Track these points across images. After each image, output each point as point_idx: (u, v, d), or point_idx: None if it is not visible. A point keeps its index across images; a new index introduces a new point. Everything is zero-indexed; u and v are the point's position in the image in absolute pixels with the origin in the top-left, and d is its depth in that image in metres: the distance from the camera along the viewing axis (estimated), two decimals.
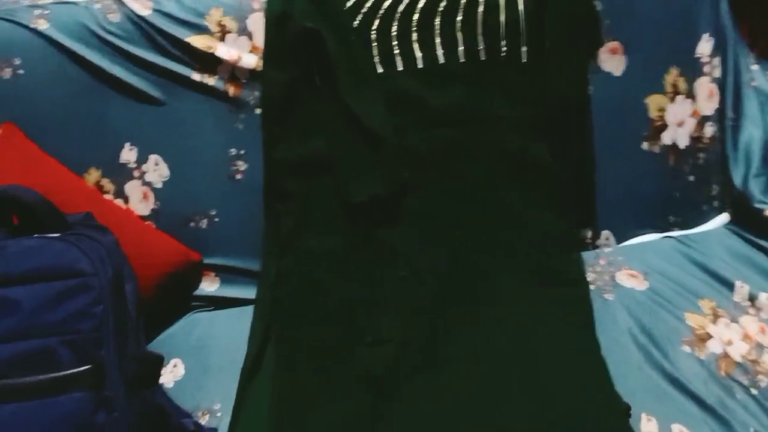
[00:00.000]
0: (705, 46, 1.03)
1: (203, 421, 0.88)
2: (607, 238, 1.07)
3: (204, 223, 1.04)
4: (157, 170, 1.03)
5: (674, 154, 1.05)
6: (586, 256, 0.98)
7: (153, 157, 1.03)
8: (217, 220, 1.04)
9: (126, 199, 1.04)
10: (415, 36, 0.92)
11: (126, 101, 1.01)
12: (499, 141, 0.92)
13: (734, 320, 0.91)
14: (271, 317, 0.91)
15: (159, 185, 1.04)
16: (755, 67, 1.06)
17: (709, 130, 1.06)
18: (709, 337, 0.89)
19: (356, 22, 0.93)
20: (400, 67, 0.93)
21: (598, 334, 0.86)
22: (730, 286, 0.95)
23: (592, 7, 0.97)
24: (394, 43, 0.93)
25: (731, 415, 0.80)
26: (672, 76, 1.03)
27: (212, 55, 0.99)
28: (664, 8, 1.00)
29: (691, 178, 1.06)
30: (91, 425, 0.65)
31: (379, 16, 0.93)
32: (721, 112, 1.06)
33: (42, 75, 1.00)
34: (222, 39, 1.00)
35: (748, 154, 1.04)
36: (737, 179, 1.04)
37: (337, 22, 0.93)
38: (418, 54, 0.92)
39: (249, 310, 0.97)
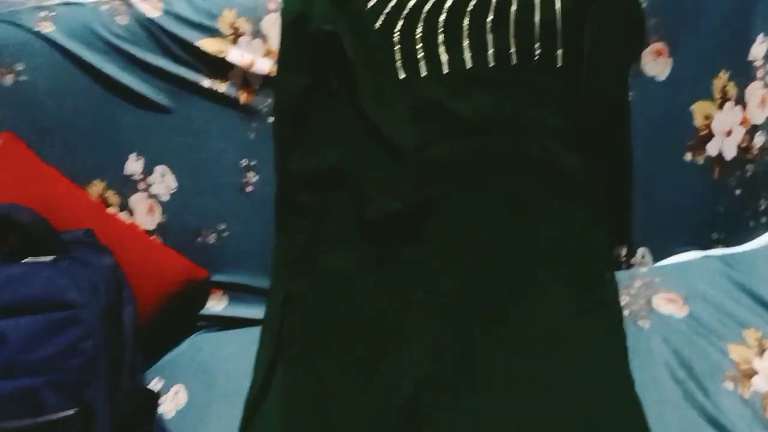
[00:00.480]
0: (759, 49, 0.98)
1: None
2: (643, 256, 1.02)
3: (212, 238, 1.01)
4: (163, 182, 1.00)
5: (720, 165, 1.00)
6: (620, 276, 0.93)
7: (159, 168, 1.00)
8: (226, 234, 1.01)
9: (131, 213, 1.02)
10: (441, 38, 0.88)
11: (132, 109, 0.98)
12: (530, 152, 0.87)
13: None
14: (280, 344, 0.87)
15: (166, 198, 1.01)
16: None
17: (759, 140, 1.01)
18: (755, 372, 0.83)
19: (378, 23, 0.88)
20: (424, 73, 0.88)
21: (633, 366, 0.81)
22: None
23: (637, 4, 0.92)
24: (419, 46, 0.88)
25: None
26: (721, 80, 0.98)
27: (223, 59, 0.96)
28: (716, 5, 0.95)
29: (738, 191, 1.02)
30: None
31: (403, 16, 0.88)
32: None
33: (45, 82, 0.97)
34: (235, 42, 0.96)
35: None
36: None
37: (358, 23, 0.88)
38: (444, 58, 0.88)
39: (257, 330, 0.92)
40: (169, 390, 0.91)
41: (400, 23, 0.88)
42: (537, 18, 0.86)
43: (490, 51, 0.88)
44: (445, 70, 0.88)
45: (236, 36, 0.96)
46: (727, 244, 1.02)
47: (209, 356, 0.96)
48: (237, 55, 0.96)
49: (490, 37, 0.87)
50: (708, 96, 0.97)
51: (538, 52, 0.87)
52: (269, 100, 0.97)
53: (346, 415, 0.80)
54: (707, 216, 1.01)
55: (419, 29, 0.88)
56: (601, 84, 0.89)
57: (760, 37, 0.97)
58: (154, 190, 1.00)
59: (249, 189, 1.00)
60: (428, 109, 0.87)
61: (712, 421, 0.79)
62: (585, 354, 0.80)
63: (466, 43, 0.88)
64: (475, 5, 0.88)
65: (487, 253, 0.86)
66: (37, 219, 0.70)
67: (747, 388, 0.82)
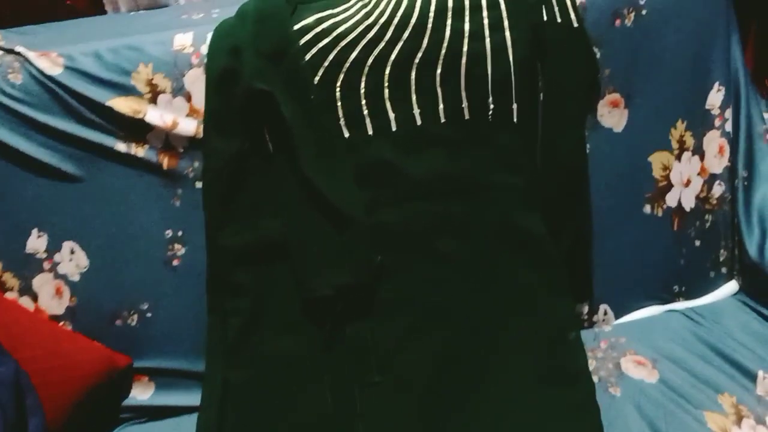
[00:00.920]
0: (716, 97, 0.98)
1: None
2: (605, 313, 0.99)
3: (134, 320, 0.94)
4: (73, 260, 0.92)
5: (679, 217, 0.98)
6: (585, 336, 0.90)
7: (68, 245, 0.92)
8: (149, 315, 0.93)
9: (34, 297, 0.93)
10: (387, 93, 0.84)
11: (33, 178, 0.90)
12: (488, 214, 0.85)
13: (760, 421, 0.82)
14: None
15: (76, 278, 0.93)
16: None
17: (718, 189, 1.01)
18: None
19: (318, 78, 0.84)
20: (370, 131, 0.84)
21: None
22: (751, 377, 0.87)
23: (591, 54, 0.90)
24: (363, 102, 0.84)
25: None
26: (679, 130, 0.97)
27: (141, 120, 0.89)
28: (671, 55, 0.94)
29: (698, 242, 1.00)
30: None
31: (344, 70, 0.84)
32: (731, 170, 1.01)
33: None
34: (153, 101, 0.90)
35: (762, 217, 0.98)
36: (751, 247, 0.97)
37: (294, 78, 0.83)
38: (392, 114, 0.84)
39: (190, 420, 0.86)
40: None
41: (341, 77, 0.84)
42: (489, 70, 0.83)
43: (441, 106, 0.85)
44: (394, 127, 0.84)
45: (154, 94, 0.89)
46: (688, 296, 1.01)
47: None
48: (156, 116, 0.89)
49: (440, 91, 0.84)
50: (666, 146, 0.96)
51: (492, 107, 0.84)
52: (196, 164, 0.91)
53: None
54: (668, 269, 1.00)
55: (363, 84, 0.84)
56: (557, 149, 0.87)
57: (716, 85, 0.98)
58: (61, 269, 0.92)
59: (175, 263, 0.93)
60: (377, 170, 0.83)
61: None
62: None
63: (414, 98, 0.84)
64: (422, 57, 0.84)
65: (445, 326, 0.82)
66: None
67: None
